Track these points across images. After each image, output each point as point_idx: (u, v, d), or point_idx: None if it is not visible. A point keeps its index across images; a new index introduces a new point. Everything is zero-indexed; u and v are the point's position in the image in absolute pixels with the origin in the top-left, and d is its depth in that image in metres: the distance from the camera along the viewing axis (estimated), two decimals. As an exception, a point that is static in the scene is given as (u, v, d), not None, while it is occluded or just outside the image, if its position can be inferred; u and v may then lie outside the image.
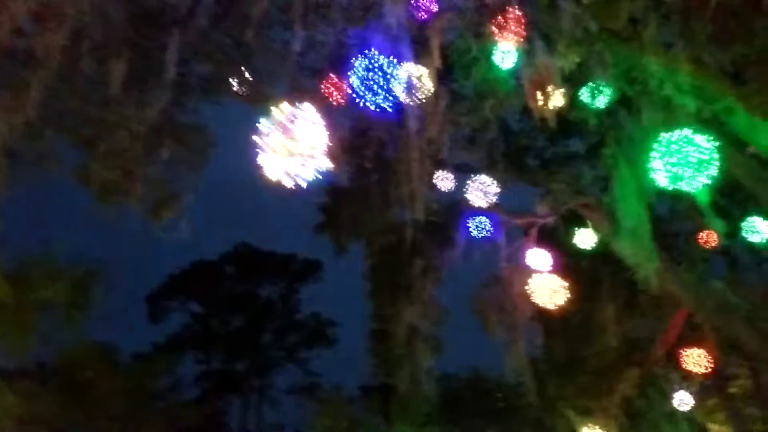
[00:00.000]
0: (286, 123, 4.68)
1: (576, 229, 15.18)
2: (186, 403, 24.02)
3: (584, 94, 10.76)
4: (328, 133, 4.92)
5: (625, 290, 16.41)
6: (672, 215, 21.48)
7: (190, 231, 11.64)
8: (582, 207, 14.82)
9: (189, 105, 12.17)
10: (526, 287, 12.72)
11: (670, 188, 6.69)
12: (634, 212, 7.90)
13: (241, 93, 11.11)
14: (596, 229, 14.77)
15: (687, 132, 6.48)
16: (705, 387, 22.08)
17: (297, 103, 5.08)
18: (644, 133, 7.07)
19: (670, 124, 6.73)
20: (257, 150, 5.08)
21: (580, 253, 16.51)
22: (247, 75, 11.06)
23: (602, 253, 17.85)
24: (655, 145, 6.58)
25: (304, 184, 4.82)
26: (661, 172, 6.54)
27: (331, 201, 15.19)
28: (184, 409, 22.14)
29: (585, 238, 15.04)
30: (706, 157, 6.38)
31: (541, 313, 19.40)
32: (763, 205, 13.57)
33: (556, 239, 16.81)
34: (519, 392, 18.80)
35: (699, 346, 14.20)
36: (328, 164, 4.86)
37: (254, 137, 5.12)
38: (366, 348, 17.13)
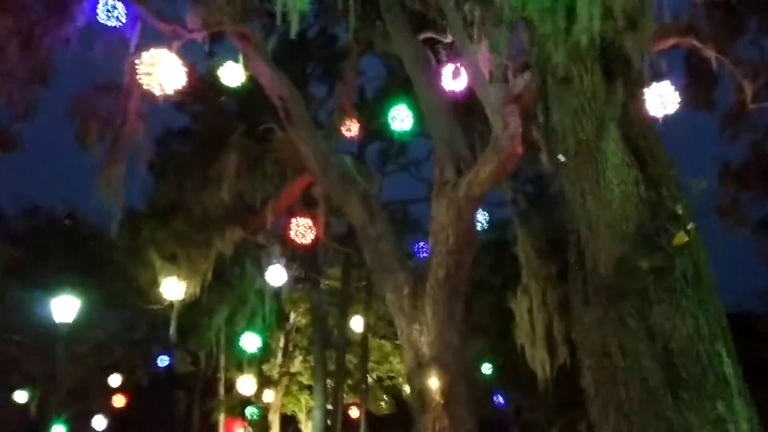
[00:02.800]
0: None
1: (225, 61, 12.90)
2: None
3: None
4: None
5: (254, 149, 14.61)
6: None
7: None
8: (238, 37, 12.41)
9: None
10: (138, 65, 10.01)
11: None
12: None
13: None
14: (246, 66, 12.60)
15: None
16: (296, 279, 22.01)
17: None
18: None
19: None
20: None
21: (222, 89, 14.26)
22: None
23: (245, 99, 15.89)
24: None
25: None
26: None
27: None
28: None
29: (231, 74, 12.81)
30: None
31: (158, 152, 16.87)
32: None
33: (200, 63, 14.32)
34: (106, 232, 16.04)
35: (310, 218, 13.02)
36: None
37: None
38: None
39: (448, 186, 10.39)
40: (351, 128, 15.56)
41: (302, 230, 12.76)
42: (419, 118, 13.66)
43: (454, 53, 12.75)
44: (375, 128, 21.73)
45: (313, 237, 12.92)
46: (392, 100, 14.43)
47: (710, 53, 9.94)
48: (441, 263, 10.22)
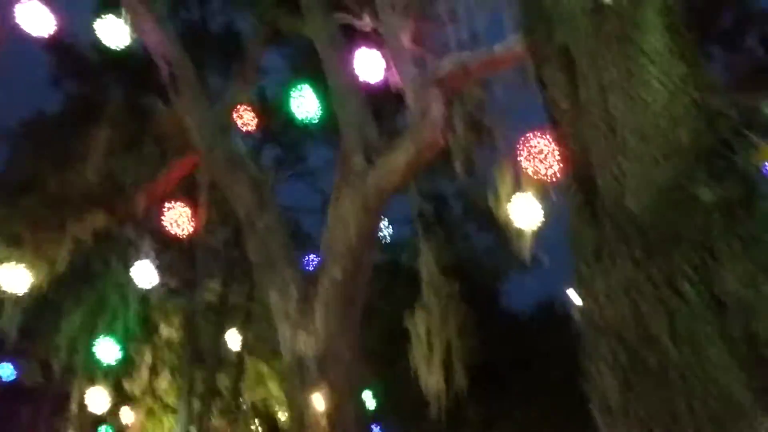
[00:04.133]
0: None
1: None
2: None
3: None
4: None
5: (132, 124, 12.49)
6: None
7: None
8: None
9: None
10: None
11: None
12: None
13: None
14: (132, 23, 10.64)
15: None
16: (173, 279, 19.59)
17: None
18: None
19: None
20: None
21: (105, 51, 12.08)
22: None
23: (127, 68, 13.74)
24: None
25: None
26: None
27: None
28: None
29: (114, 33, 10.80)
30: None
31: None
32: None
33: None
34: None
35: (188, 205, 11.02)
36: None
37: None
38: None
39: (354, 175, 8.80)
40: (246, 119, 13.70)
41: (179, 219, 10.72)
42: (326, 108, 12.15)
43: (371, 39, 11.38)
44: (272, 131, 19.97)
45: (191, 229, 10.89)
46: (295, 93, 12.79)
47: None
48: (338, 262, 8.56)
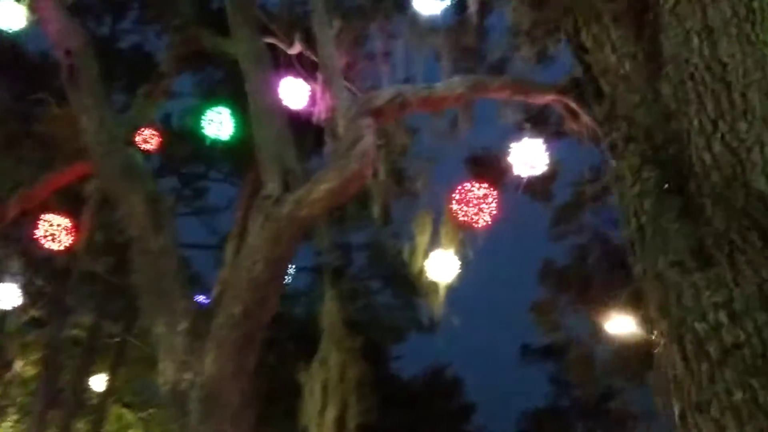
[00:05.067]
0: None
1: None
2: None
3: None
4: None
5: (14, 123, 10.98)
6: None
7: None
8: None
9: None
10: None
11: None
12: None
13: None
14: (32, 7, 9.38)
15: None
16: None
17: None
18: None
19: None
20: None
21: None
22: None
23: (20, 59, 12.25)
24: None
25: None
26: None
27: None
28: None
29: (9, 14, 9.54)
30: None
31: None
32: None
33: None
34: None
35: (69, 218, 9.56)
36: None
37: None
38: None
39: (268, 201, 7.79)
40: (148, 139, 12.40)
41: (56, 231, 9.22)
42: (238, 138, 11.20)
43: (297, 68, 10.64)
44: (173, 160, 18.62)
45: (68, 243, 9.40)
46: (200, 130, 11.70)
47: (585, 120, 8.66)
48: (239, 296, 7.43)
